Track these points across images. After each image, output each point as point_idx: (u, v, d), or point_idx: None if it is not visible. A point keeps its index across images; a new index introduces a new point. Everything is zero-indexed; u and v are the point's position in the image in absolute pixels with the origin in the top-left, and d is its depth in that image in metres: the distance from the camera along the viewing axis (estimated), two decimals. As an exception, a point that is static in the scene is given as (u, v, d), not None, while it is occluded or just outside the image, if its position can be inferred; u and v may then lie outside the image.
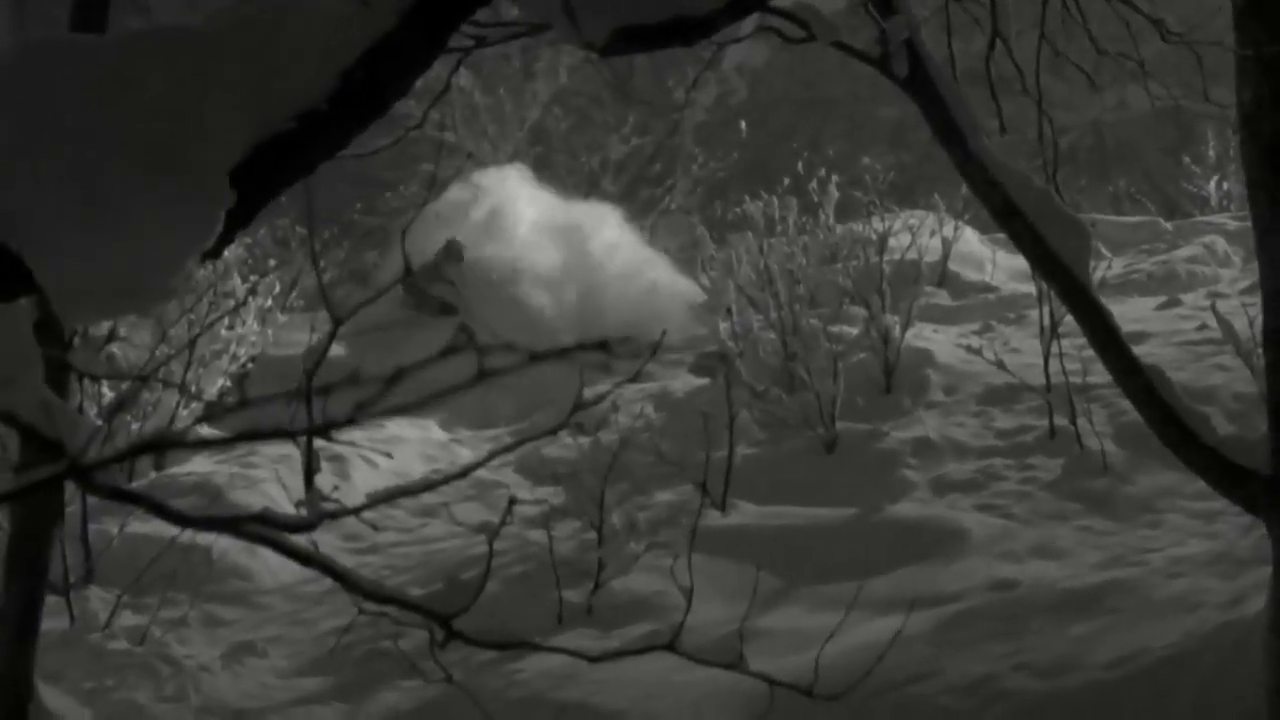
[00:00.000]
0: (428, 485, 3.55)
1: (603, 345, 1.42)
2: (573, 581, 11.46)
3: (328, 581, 3.42)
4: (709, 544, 11.61)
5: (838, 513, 12.77)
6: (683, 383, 17.40)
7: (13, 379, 2.91)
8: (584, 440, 11.55)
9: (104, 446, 1.58)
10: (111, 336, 8.80)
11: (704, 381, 16.00)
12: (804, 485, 13.92)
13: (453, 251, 20.00)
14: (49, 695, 8.44)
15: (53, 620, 9.51)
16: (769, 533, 12.35)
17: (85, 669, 10.67)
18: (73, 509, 11.62)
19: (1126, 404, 10.17)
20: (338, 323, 3.63)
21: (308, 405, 3.25)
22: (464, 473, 3.65)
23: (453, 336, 1.50)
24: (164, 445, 1.50)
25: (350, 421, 1.51)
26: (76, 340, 8.79)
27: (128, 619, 11.50)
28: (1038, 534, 11.93)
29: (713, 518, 12.77)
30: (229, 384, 13.70)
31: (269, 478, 11.62)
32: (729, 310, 16.68)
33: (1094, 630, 9.07)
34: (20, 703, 8.20)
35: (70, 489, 8.92)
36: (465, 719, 8.81)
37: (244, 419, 1.59)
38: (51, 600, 9.59)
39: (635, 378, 3.77)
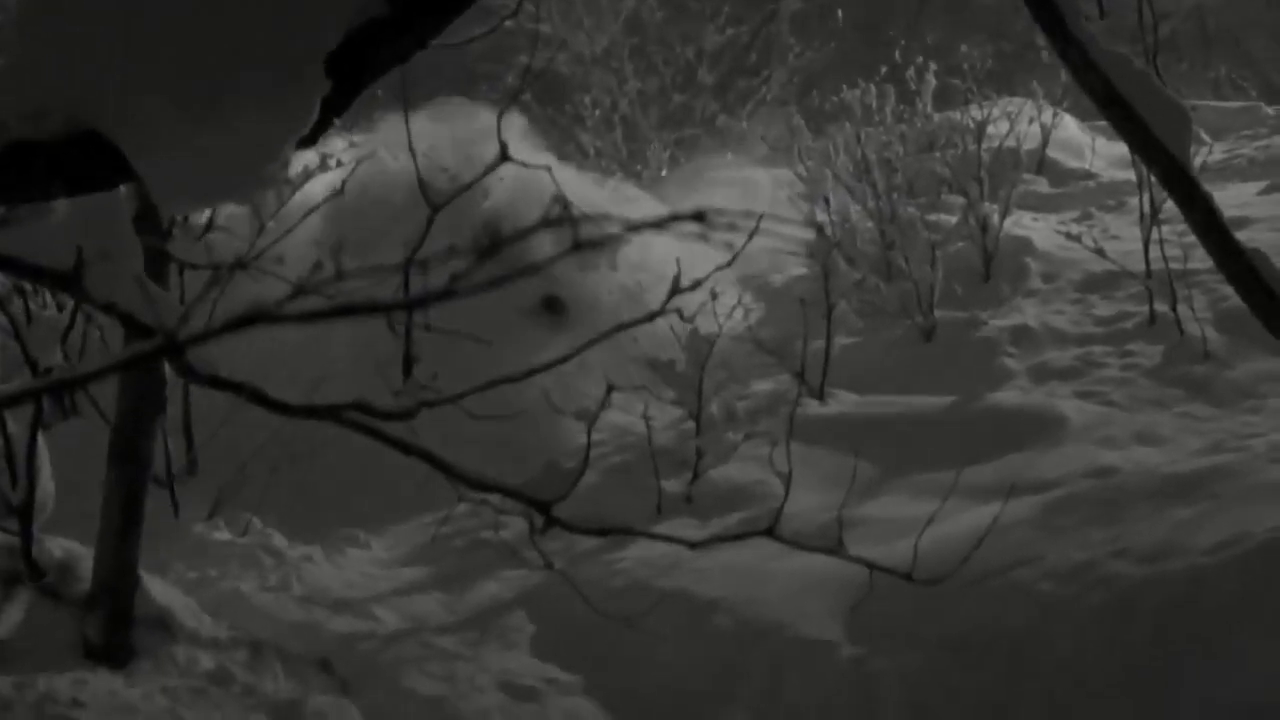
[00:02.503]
0: (529, 372, 3.54)
1: (699, 216, 1.39)
2: (671, 471, 11.49)
3: (427, 470, 3.42)
4: (807, 433, 11.58)
5: (936, 401, 12.72)
6: (781, 272, 17.35)
7: (113, 267, 2.92)
8: (682, 329, 11.54)
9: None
10: (210, 226, 8.82)
11: (802, 270, 15.92)
12: (902, 374, 13.88)
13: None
14: (154, 586, 8.54)
15: (156, 512, 9.60)
16: (867, 421, 12.32)
17: (189, 560, 10.79)
18: (176, 409, 11.72)
19: (1227, 289, 10.06)
20: (435, 210, 3.63)
21: (404, 281, 3.24)
22: (563, 360, 3.65)
23: (547, 208, 1.47)
24: (260, 319, 1.48)
25: (446, 294, 1.49)
26: (175, 230, 8.82)
27: (230, 511, 11.62)
28: (1138, 420, 11.85)
29: (811, 407, 12.75)
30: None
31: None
32: (826, 200, 16.60)
33: (1194, 516, 8.99)
34: (126, 593, 8.30)
35: (174, 383, 8.97)
36: (566, 607, 8.85)
37: (340, 293, 1.57)
38: (155, 492, 9.69)
39: (732, 262, 3.75)
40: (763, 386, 13.27)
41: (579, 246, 1.35)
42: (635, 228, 1.40)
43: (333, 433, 3.74)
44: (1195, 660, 7.86)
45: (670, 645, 9.28)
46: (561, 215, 1.36)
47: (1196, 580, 8.25)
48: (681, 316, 3.97)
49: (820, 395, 13.09)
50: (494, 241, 1.37)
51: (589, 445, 3.53)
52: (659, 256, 13.98)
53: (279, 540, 11.27)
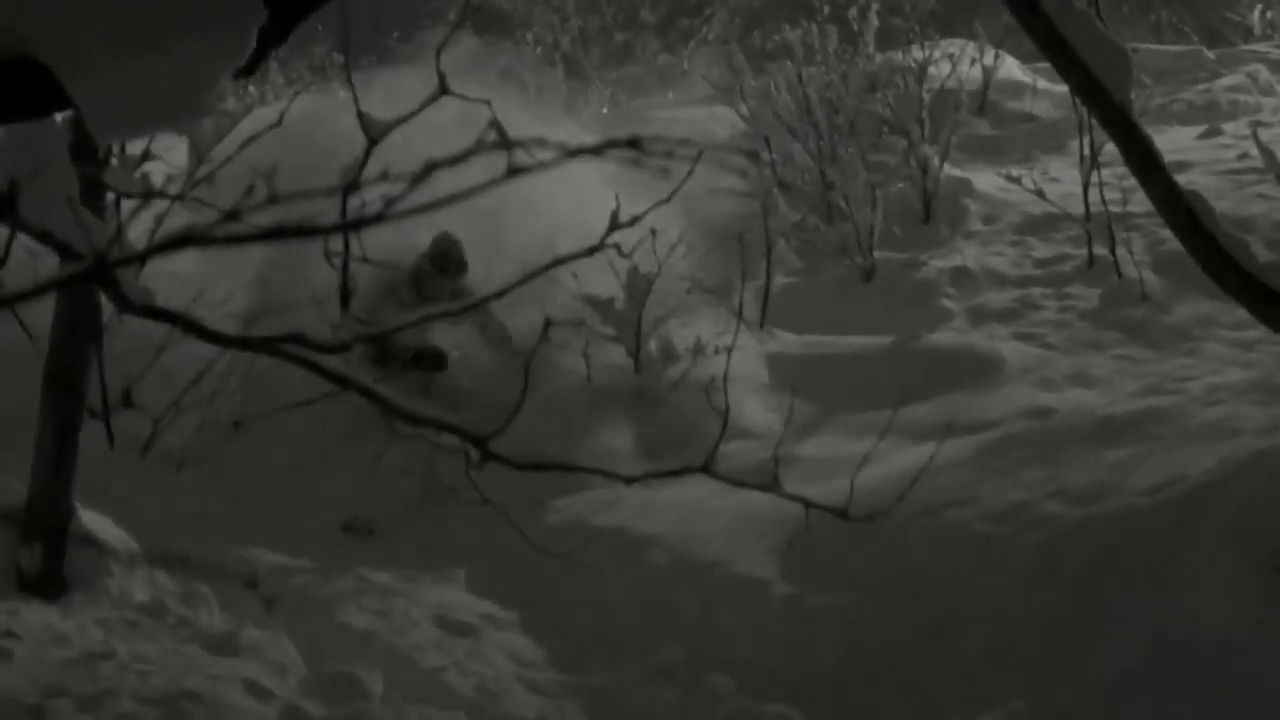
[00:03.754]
0: (466, 306, 3.52)
1: (634, 142, 1.38)
2: (610, 408, 11.48)
3: (362, 401, 3.41)
4: (745, 372, 11.61)
5: (875, 341, 12.75)
6: (720, 208, 17.32)
7: (47, 195, 2.89)
8: (622, 266, 11.52)
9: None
10: (146, 156, 8.74)
11: (742, 210, 15.91)
12: (842, 314, 13.92)
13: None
14: (88, 517, 8.50)
15: (91, 443, 9.52)
16: (806, 360, 12.35)
17: (123, 493, 10.71)
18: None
19: (1166, 233, 10.13)
20: (372, 143, 3.60)
21: (342, 207, 3.22)
22: (499, 294, 3.63)
23: (483, 132, 1.46)
24: (192, 242, 1.47)
25: (379, 218, 1.48)
26: (111, 160, 8.73)
27: (165, 444, 11.53)
28: (1075, 362, 11.91)
29: (750, 345, 12.75)
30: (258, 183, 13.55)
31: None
32: (767, 139, 16.58)
33: (1130, 457, 9.06)
34: (60, 524, 8.27)
35: (110, 313, 8.90)
36: (503, 543, 8.85)
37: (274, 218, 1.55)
38: (90, 424, 9.61)
39: (671, 199, 3.74)
40: (702, 324, 13.29)
41: (514, 172, 1.34)
42: (573, 153, 1.39)
43: (267, 365, 3.73)
44: (1128, 601, 7.93)
45: (606, 581, 9.31)
46: (496, 141, 1.35)
47: (1131, 521, 8.32)
48: (620, 252, 3.96)
49: (760, 333, 13.09)
50: (427, 166, 1.36)
51: (526, 381, 3.52)
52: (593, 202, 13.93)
53: (216, 469, 11.19)
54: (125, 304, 2.81)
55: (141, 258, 1.49)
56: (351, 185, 1.61)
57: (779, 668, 8.31)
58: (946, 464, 9.26)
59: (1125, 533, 8.28)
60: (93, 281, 2.16)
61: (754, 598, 8.76)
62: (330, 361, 3.21)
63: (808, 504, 3.94)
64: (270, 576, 9.33)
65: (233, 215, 1.52)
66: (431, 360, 11.49)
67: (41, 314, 8.63)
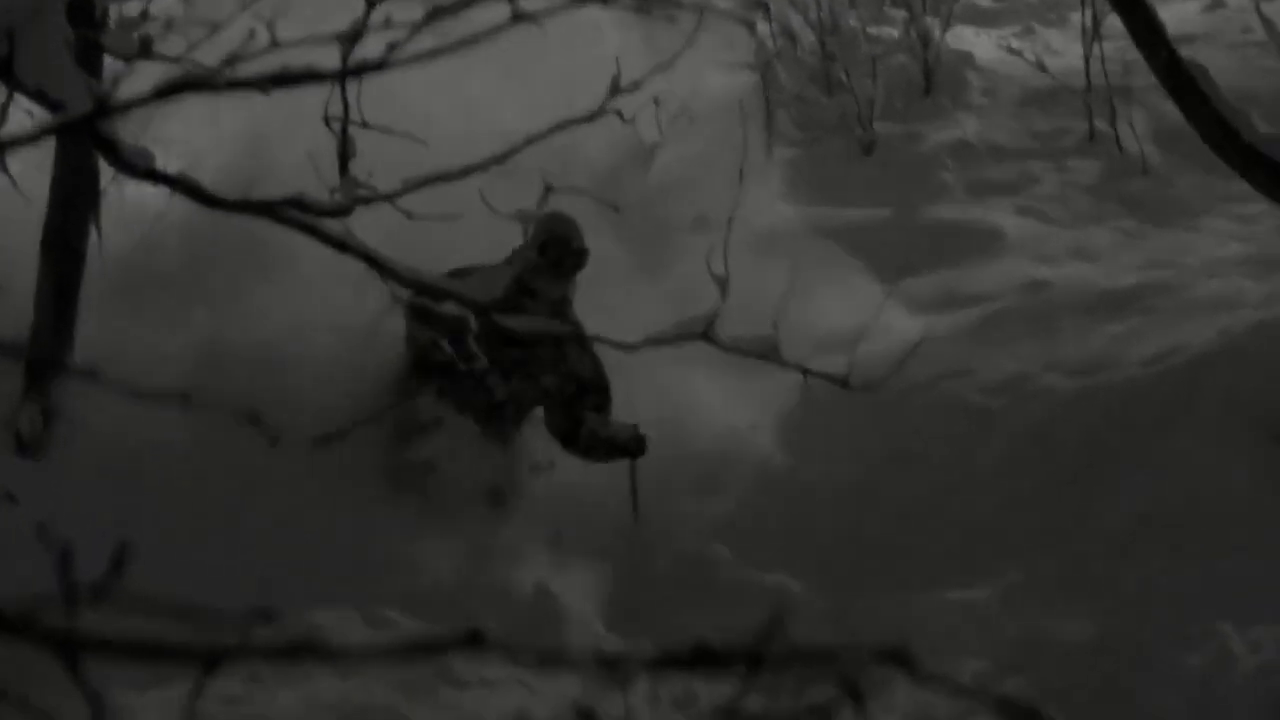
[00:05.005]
0: (465, 171, 3.50)
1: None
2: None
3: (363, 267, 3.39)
4: (746, 243, 11.57)
5: (875, 214, 12.70)
6: (720, 80, 17.17)
7: (42, 56, 2.86)
8: (622, 134, 11.45)
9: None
10: (145, 17, 8.63)
11: (741, 81, 15.81)
12: (842, 186, 13.83)
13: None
14: (84, 381, 8.50)
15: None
16: (807, 232, 12.30)
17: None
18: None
19: (1167, 107, 10.06)
20: (371, 4, 3.56)
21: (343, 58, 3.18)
22: (499, 159, 3.60)
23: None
24: (190, 88, 1.44)
25: (382, 64, 1.46)
26: (109, 22, 8.65)
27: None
28: (1074, 236, 11.87)
29: (749, 216, 12.68)
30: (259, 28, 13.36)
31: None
32: (767, 8, 16.43)
33: (1128, 329, 9.06)
34: (57, 386, 8.27)
35: (108, 178, 8.85)
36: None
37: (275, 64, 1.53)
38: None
39: (672, 64, 3.70)
40: (701, 193, 13.21)
41: (518, 19, 1.32)
42: (579, 0, 1.36)
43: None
44: (1126, 472, 7.96)
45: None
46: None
47: (1128, 393, 8.34)
48: (622, 118, 3.92)
49: (760, 205, 13.03)
50: (431, 12, 1.34)
51: (524, 243, 3.50)
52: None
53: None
54: (123, 165, 2.79)
55: (141, 103, 1.47)
56: (354, 33, 1.59)
57: (777, 539, 8.33)
58: (945, 336, 9.26)
59: (1123, 404, 8.30)
60: (91, 134, 2.13)
61: (753, 469, 8.78)
62: (331, 225, 3.20)
63: (806, 372, 3.93)
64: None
65: (233, 59, 1.50)
66: (629, 444, 8.76)
67: (40, 182, 8.60)
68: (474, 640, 1.15)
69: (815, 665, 1.07)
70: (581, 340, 8.58)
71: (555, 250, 8.67)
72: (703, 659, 1.07)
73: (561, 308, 8.71)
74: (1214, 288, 9.47)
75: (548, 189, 3.62)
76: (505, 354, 8.44)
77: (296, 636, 1.22)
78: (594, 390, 8.82)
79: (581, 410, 8.73)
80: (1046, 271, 10.92)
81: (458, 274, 7.86)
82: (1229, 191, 11.22)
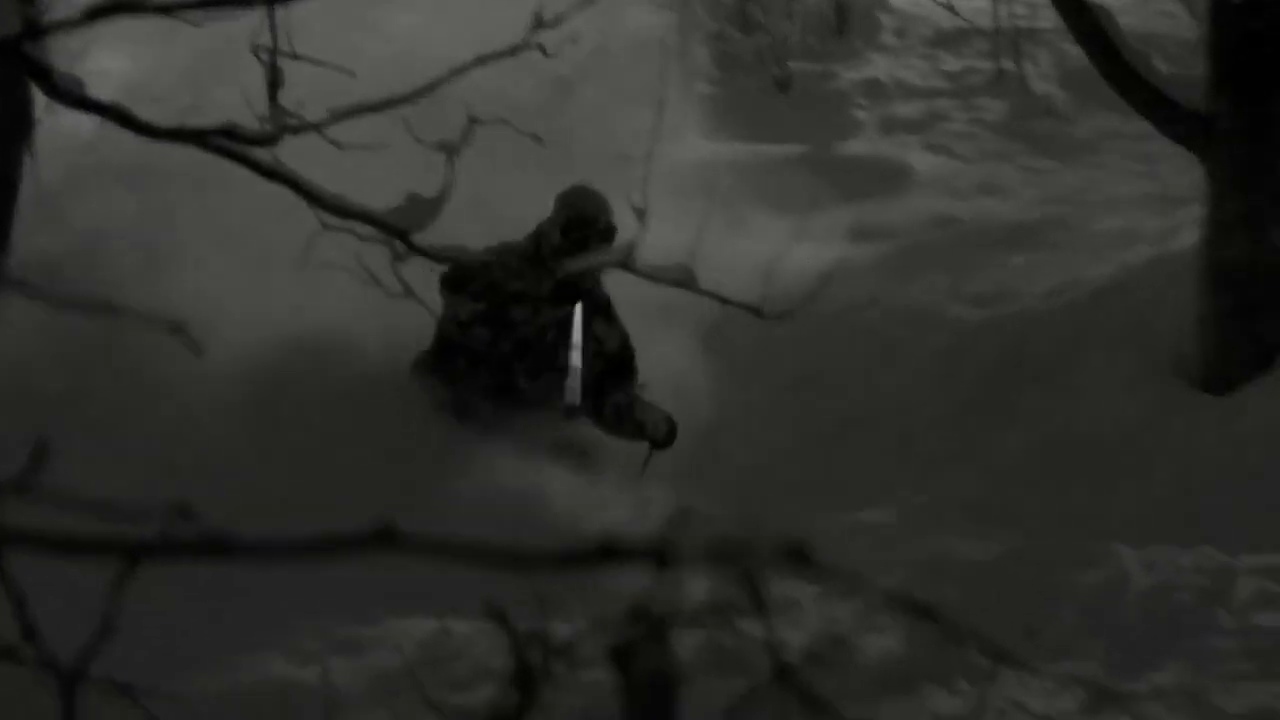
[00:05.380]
0: (391, 102, 3.49)
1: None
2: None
3: (290, 197, 3.38)
4: (664, 176, 11.56)
5: (790, 149, 12.72)
6: (639, 18, 17.11)
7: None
8: (544, 67, 11.40)
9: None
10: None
11: (660, 20, 15.76)
12: (758, 123, 13.84)
13: None
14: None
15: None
16: (724, 166, 12.31)
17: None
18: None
19: (1072, 49, 10.14)
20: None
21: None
22: (420, 92, 3.59)
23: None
24: (120, 10, 1.44)
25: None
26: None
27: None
28: (981, 172, 11.94)
29: (668, 151, 12.68)
30: None
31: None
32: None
33: (1033, 263, 9.14)
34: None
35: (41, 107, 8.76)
36: (421, 330, 8.84)
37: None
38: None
39: (593, 1, 3.70)
40: (622, 130, 13.19)
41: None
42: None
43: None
44: (1029, 398, 8.04)
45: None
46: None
47: (1031, 323, 8.42)
48: (544, 53, 3.91)
49: (677, 140, 13.02)
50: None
51: (451, 176, 3.50)
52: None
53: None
54: (54, 92, 2.77)
55: (73, 25, 1.46)
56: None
57: (686, 459, 8.36)
58: (856, 268, 9.30)
59: (1027, 334, 8.38)
60: (20, 58, 2.12)
61: (670, 392, 8.81)
62: (259, 153, 3.19)
63: (723, 300, 3.94)
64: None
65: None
66: (657, 436, 8.08)
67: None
68: (386, 538, 1.16)
69: (718, 564, 1.09)
70: (608, 313, 8.21)
71: (579, 230, 7.79)
72: (609, 555, 1.09)
73: (590, 289, 8.04)
74: (1114, 223, 9.55)
75: (471, 120, 3.61)
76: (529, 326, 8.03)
77: (212, 533, 1.22)
78: (621, 363, 8.24)
79: (608, 383, 8.15)
80: (954, 206, 10.98)
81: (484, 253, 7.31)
82: (1130, 130, 11.29)
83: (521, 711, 1.21)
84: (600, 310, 8.03)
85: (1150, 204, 9.99)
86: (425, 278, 3.84)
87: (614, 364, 8.20)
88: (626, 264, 3.58)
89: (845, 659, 5.42)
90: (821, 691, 1.25)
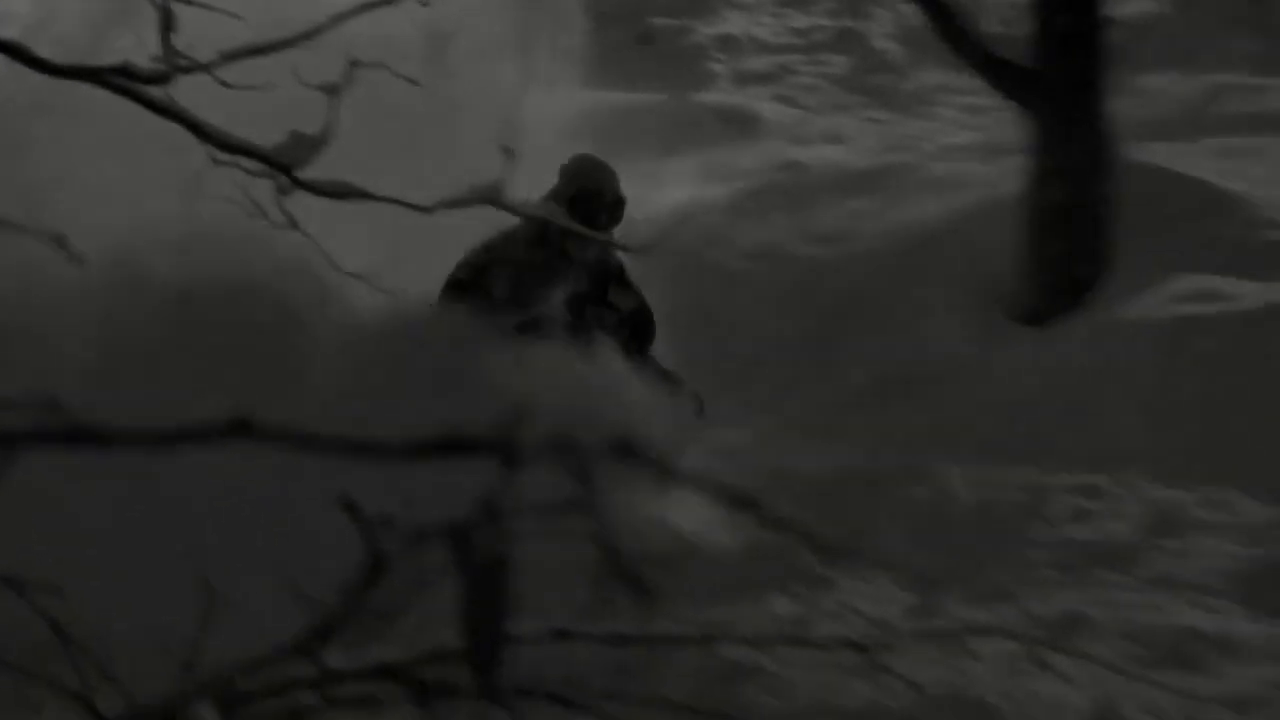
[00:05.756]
0: (277, 45, 3.45)
1: None
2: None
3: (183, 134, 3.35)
4: (537, 122, 11.51)
5: (651, 98, 12.73)
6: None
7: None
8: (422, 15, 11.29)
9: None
10: None
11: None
12: (623, 73, 13.83)
13: None
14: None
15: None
16: (591, 113, 12.29)
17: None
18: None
19: (909, 9, 10.21)
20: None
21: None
22: (309, 35, 3.56)
23: None
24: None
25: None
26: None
27: None
28: (825, 122, 12.01)
29: (540, 98, 12.64)
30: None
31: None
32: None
33: (872, 206, 9.20)
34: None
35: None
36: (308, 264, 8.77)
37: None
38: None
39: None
40: (495, 76, 13.14)
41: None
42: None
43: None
44: (864, 328, 8.12)
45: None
46: None
47: (869, 261, 8.49)
48: (422, 2, 3.89)
49: (548, 86, 12.97)
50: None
51: (335, 114, 3.47)
52: None
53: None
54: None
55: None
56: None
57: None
58: (710, 207, 9.34)
59: (866, 271, 8.45)
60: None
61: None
62: (154, 92, 3.15)
63: (585, 235, 3.95)
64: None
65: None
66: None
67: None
68: (242, 426, 1.15)
69: (555, 457, 1.10)
70: (623, 279, 7.26)
71: (587, 205, 6.74)
72: (455, 447, 1.09)
73: (603, 259, 7.04)
74: (946, 170, 9.63)
75: (351, 64, 3.58)
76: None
77: (76, 422, 1.21)
78: (638, 326, 7.40)
79: (629, 348, 7.24)
80: (800, 153, 11.04)
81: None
82: (961, 85, 11.39)
83: (367, 588, 1.22)
84: (615, 277, 7.15)
85: (978, 152, 10.07)
86: (310, 208, 3.80)
87: (632, 328, 7.44)
88: (494, 199, 3.58)
89: (685, 561, 5.45)
90: (658, 588, 1.27)
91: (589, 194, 6.77)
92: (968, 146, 10.46)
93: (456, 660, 1.51)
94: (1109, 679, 4.71)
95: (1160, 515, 6.39)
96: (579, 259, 6.82)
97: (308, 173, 3.35)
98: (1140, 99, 10.63)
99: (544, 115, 12.13)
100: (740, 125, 11.94)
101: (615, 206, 6.84)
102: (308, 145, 3.40)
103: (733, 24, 14.79)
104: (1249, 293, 7.79)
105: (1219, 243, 8.30)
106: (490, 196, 3.62)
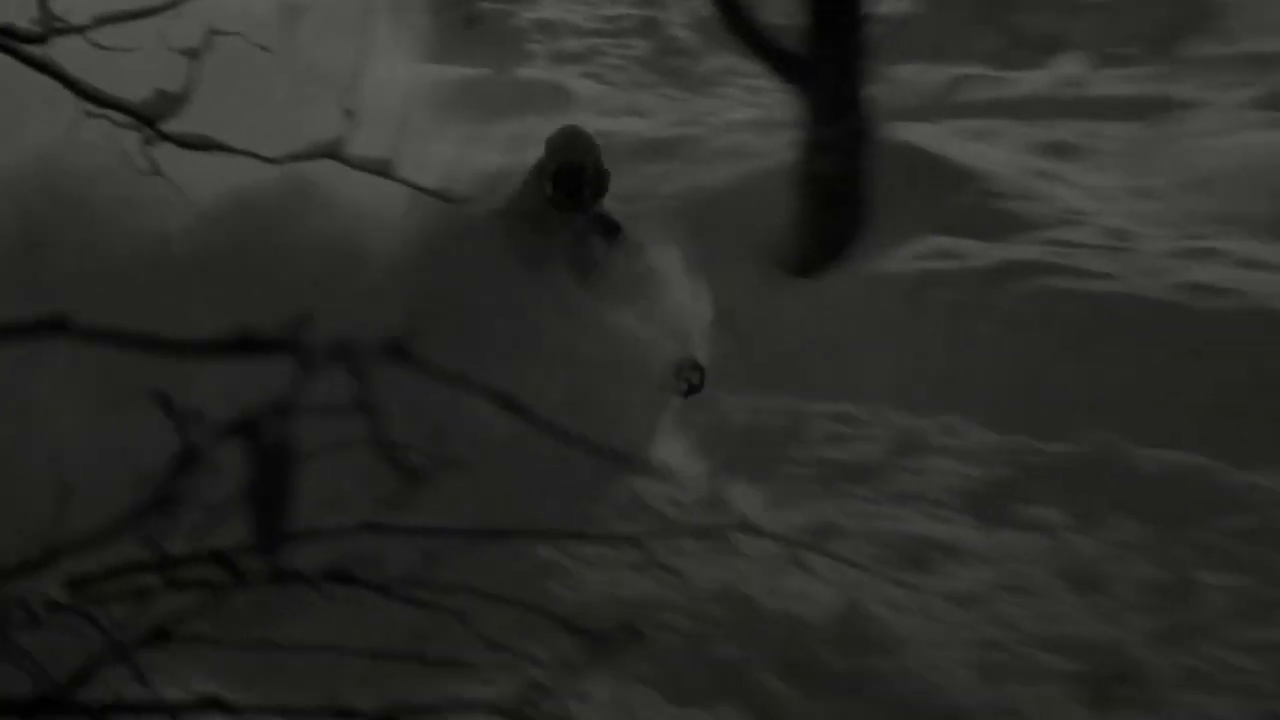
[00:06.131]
0: (144, 12, 3.35)
1: None
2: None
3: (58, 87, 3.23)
4: (376, 89, 11.36)
5: (478, 72, 12.63)
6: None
7: None
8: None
9: None
10: None
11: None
12: (454, 50, 13.71)
13: None
14: None
15: None
16: (423, 82, 12.16)
17: None
18: None
19: (701, 3, 10.22)
20: None
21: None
22: (174, 3, 3.46)
23: None
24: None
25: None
26: None
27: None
28: (629, 97, 12.04)
29: (380, 69, 12.47)
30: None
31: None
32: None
33: (666, 171, 9.23)
34: None
35: None
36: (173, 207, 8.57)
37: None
38: None
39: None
40: (340, 50, 12.96)
41: None
42: None
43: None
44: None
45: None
46: None
47: (663, 218, 8.51)
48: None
49: (390, 59, 12.81)
50: None
51: (196, 75, 3.38)
52: None
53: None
54: None
55: None
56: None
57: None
58: (525, 169, 9.28)
59: (662, 223, 8.47)
60: None
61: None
62: (32, 50, 3.04)
63: (421, 190, 3.89)
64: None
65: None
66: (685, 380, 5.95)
67: None
68: (57, 325, 1.09)
69: (335, 359, 1.07)
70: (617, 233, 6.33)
71: (570, 179, 6.04)
72: (248, 346, 1.06)
73: (600, 215, 6.18)
74: (730, 141, 9.69)
75: (211, 31, 3.48)
76: None
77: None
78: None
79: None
80: (606, 123, 11.03)
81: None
82: (745, 69, 11.48)
83: (177, 478, 1.18)
84: (612, 231, 6.22)
85: (758, 128, 10.15)
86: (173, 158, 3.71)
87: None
88: (335, 154, 3.51)
89: (485, 462, 5.36)
90: (429, 475, 1.25)
91: (572, 168, 6.04)
92: (749, 122, 10.54)
93: (248, 547, 1.48)
94: (856, 577, 4.77)
95: (903, 439, 6.49)
96: (563, 234, 6.04)
97: (171, 126, 3.25)
98: (895, 85, 10.79)
99: (384, 84, 11.98)
100: (555, 98, 11.90)
101: (598, 179, 6.08)
102: (171, 101, 3.31)
103: (550, 10, 14.74)
104: (982, 252, 7.94)
105: (958, 210, 8.46)
106: (330, 152, 3.55)
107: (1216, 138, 10.20)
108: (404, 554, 1.93)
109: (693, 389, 5.95)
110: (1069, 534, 5.47)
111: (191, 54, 3.43)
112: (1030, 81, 12.03)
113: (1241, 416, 6.70)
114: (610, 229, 6.14)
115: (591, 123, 11.02)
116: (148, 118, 3.15)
